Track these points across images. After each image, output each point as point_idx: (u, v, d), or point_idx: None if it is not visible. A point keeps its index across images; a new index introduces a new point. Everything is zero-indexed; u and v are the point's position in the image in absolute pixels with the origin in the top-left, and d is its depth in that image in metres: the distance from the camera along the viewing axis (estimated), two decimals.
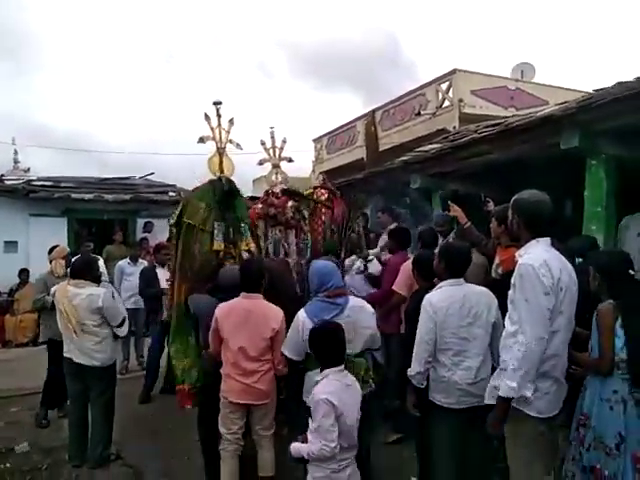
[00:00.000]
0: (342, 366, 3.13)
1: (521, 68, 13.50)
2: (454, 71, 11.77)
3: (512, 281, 2.86)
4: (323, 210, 5.33)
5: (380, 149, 13.42)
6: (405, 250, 5.23)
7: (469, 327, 3.35)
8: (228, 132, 4.95)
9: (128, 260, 8.09)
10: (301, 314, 3.60)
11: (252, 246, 4.76)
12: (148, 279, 6.70)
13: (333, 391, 3.01)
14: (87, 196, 11.22)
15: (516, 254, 2.98)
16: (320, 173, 15.66)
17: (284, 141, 5.67)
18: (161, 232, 11.10)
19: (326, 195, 5.41)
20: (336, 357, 3.13)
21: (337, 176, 10.07)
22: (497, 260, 4.21)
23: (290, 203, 5.14)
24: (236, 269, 4.28)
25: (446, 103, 11.99)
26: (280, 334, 3.74)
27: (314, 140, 17.20)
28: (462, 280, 3.49)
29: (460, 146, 6.41)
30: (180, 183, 13.65)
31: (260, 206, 5.14)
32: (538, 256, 2.82)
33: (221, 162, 4.89)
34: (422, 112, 12.22)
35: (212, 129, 4.90)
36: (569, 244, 3.92)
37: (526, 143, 5.53)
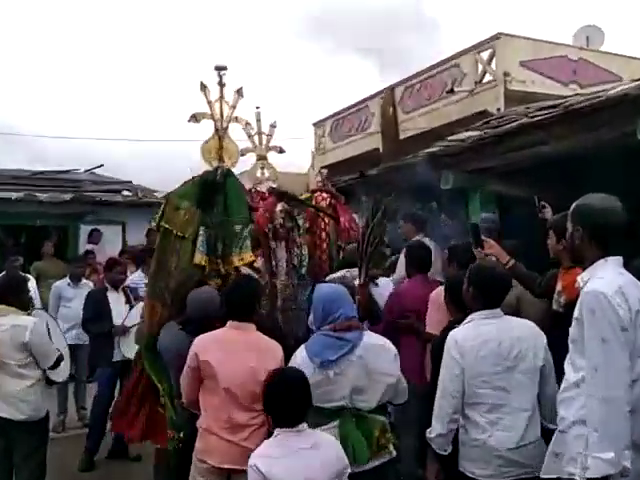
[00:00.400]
0: (302, 425, 3.15)
1: (586, 33, 13.62)
2: (498, 36, 11.88)
3: (575, 315, 2.85)
4: (326, 220, 5.32)
5: (401, 137, 13.44)
6: (424, 273, 5.23)
7: (508, 373, 3.34)
8: (234, 107, 4.96)
9: (68, 280, 8.08)
10: (300, 353, 3.62)
11: (256, 261, 4.75)
12: (96, 306, 6.67)
13: (269, 455, 3.07)
14: (14, 195, 11.26)
15: (578, 278, 2.96)
16: (322, 168, 15.69)
17: (273, 125, 5.71)
18: (111, 243, 11.14)
19: (327, 200, 5.42)
20: (289, 415, 3.16)
21: (344, 172, 10.09)
22: (559, 287, 4.18)
23: (280, 207, 5.13)
24: (208, 293, 4.28)
25: (487, 77, 12.08)
26: None
27: (315, 124, 17.30)
28: (499, 311, 3.49)
29: (506, 134, 6.43)
30: (139, 179, 13.79)
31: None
32: (611, 281, 2.79)
33: (221, 147, 4.90)
34: (456, 89, 12.30)
35: (210, 104, 4.90)
36: None
37: (592, 131, 5.55)
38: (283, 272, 5.07)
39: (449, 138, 7.64)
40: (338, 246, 5.37)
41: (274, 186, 5.43)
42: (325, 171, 6.57)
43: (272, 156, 5.73)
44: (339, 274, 4.96)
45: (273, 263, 5.05)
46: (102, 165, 14.41)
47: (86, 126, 32.94)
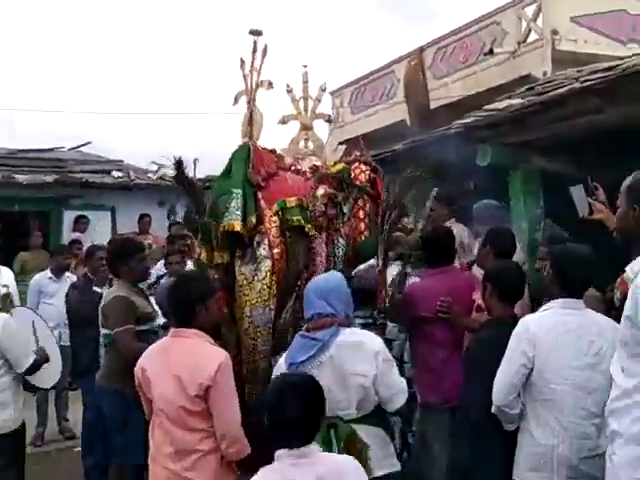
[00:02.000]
0: (305, 449, 2.79)
1: None
2: None
3: (625, 312, 2.80)
4: (365, 198, 5.22)
5: (431, 106, 13.37)
6: (449, 264, 5.15)
7: (589, 372, 3.38)
8: (259, 70, 4.91)
9: (49, 274, 8.08)
10: (283, 356, 3.78)
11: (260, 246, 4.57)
12: (81, 300, 6.66)
13: None
14: None
15: (627, 269, 2.99)
16: (340, 143, 15.65)
17: (323, 89, 5.63)
18: (98, 231, 11.18)
19: (367, 174, 5.31)
20: (282, 433, 2.82)
21: (365, 147, 10.01)
22: (618, 280, 4.15)
23: (321, 190, 4.97)
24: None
25: (532, 36, 11.98)
26: (218, 391, 3.58)
27: (332, 93, 17.21)
28: (582, 303, 3.56)
29: (553, 101, 6.31)
30: (130, 158, 13.82)
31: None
32: None
33: (250, 120, 4.89)
34: (496, 50, 12.21)
35: (245, 78, 4.89)
36: None
37: None
38: (322, 268, 4.94)
39: (487, 107, 7.54)
40: (377, 227, 5.26)
41: (318, 164, 5.29)
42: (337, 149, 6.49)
43: (319, 125, 5.64)
44: (363, 266, 4.87)
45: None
46: (89, 142, 14.46)
47: (72, 99, 33.04)
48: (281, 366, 3.68)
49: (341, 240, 5.04)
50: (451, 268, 5.15)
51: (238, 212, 4.54)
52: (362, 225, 5.26)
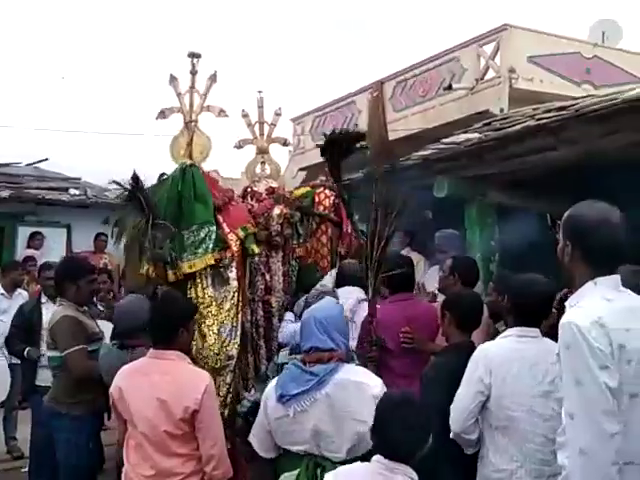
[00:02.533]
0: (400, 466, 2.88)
1: (602, 28, 13.78)
2: (504, 27, 11.94)
3: (555, 350, 2.82)
4: (327, 223, 5.29)
5: (390, 137, 13.47)
6: (408, 291, 5.18)
7: (544, 399, 3.42)
8: (205, 95, 4.98)
9: (0, 289, 7.97)
10: (271, 383, 3.63)
11: (227, 269, 4.64)
12: (24, 320, 6.61)
13: None
14: None
15: (566, 304, 2.90)
16: (300, 169, 15.70)
17: (278, 114, 5.71)
18: (54, 248, 11.04)
19: (331, 199, 5.38)
20: (387, 448, 2.93)
21: (324, 174, 10.07)
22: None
23: (277, 210, 5.07)
24: (134, 302, 4.32)
25: (491, 74, 12.13)
26: (205, 414, 3.58)
27: (293, 120, 17.30)
28: (538, 331, 3.61)
29: (509, 137, 6.45)
30: (90, 176, 13.66)
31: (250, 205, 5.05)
32: (590, 310, 2.69)
33: (190, 142, 4.91)
34: (455, 85, 12.33)
35: (179, 96, 4.96)
36: None
37: (607, 136, 5.59)
38: (279, 287, 5.00)
39: (445, 140, 7.65)
40: (339, 253, 5.32)
41: (274, 185, 5.35)
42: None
43: (274, 149, 5.71)
44: (314, 291, 4.84)
45: (267, 277, 4.98)
46: (47, 159, 14.27)
47: (29, 115, 32.52)
48: (270, 395, 3.54)
49: (293, 262, 5.13)
50: (411, 296, 5.17)
51: (211, 247, 4.64)
52: (325, 250, 5.35)
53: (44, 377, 6.06)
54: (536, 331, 3.60)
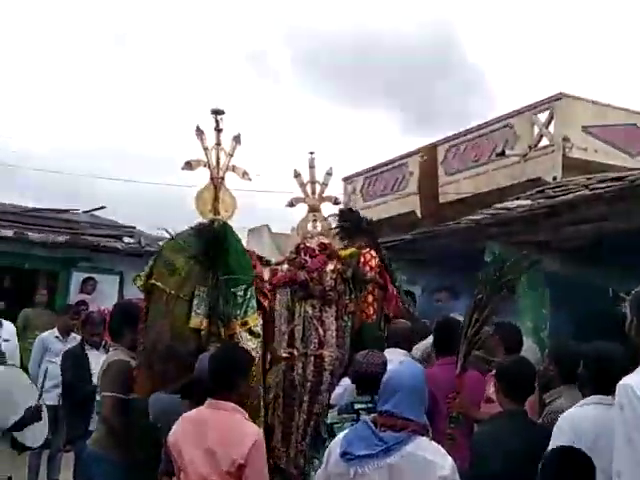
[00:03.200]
0: None
1: None
2: (559, 96, 12.06)
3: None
4: (372, 285, 5.39)
5: (441, 200, 13.54)
6: (453, 355, 5.14)
7: None
8: (231, 155, 5.11)
9: (56, 333, 8.14)
10: (340, 434, 3.54)
11: (256, 325, 4.75)
12: (74, 365, 6.69)
13: None
14: (3, 232, 11.46)
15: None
16: (339, 229, 15.78)
17: (329, 173, 5.87)
18: (107, 295, 11.23)
19: (376, 260, 5.47)
20: None
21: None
22: None
23: (331, 266, 5.20)
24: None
25: (544, 142, 12.22)
26: (252, 469, 3.55)
27: (345, 179, 17.53)
28: (612, 399, 3.50)
29: (562, 205, 6.49)
30: (145, 226, 13.96)
31: (286, 267, 5.20)
32: None
33: (216, 198, 5.01)
34: (507, 152, 12.42)
35: (206, 150, 5.06)
36: None
37: None
38: (332, 342, 5.08)
39: (497, 206, 7.71)
40: (385, 316, 5.38)
41: (326, 242, 5.48)
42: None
43: (326, 208, 5.85)
44: (364, 351, 4.87)
45: (320, 331, 5.07)
46: (104, 207, 14.61)
47: (85, 162, 33.42)
48: (334, 449, 3.43)
49: (345, 317, 5.20)
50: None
51: (255, 305, 4.78)
52: (370, 309, 5.41)
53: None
54: (611, 399, 3.48)
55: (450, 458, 3.35)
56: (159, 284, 4.70)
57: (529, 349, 5.48)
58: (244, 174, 5.17)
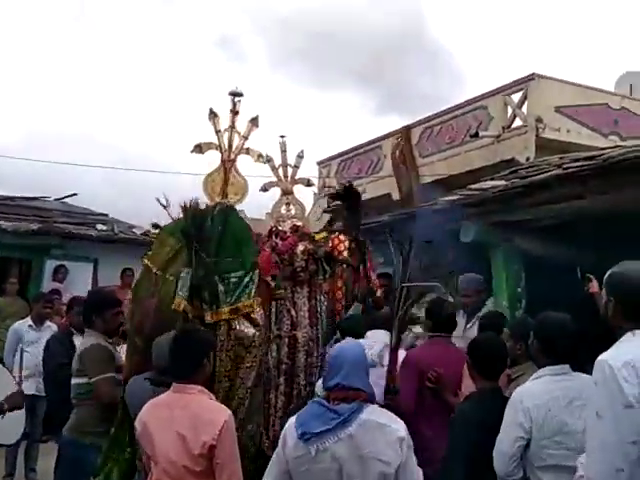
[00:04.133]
0: None
1: (630, 80, 13.92)
2: (532, 77, 12.11)
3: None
4: (343, 267, 5.38)
5: (418, 183, 13.56)
6: (448, 335, 5.20)
7: (582, 435, 3.38)
8: (246, 137, 5.09)
9: (29, 321, 8.08)
10: (290, 420, 3.55)
11: (253, 312, 4.66)
12: (57, 353, 6.64)
13: None
14: None
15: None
16: (325, 211, 15.78)
17: (300, 156, 5.86)
18: (81, 282, 11.17)
19: (345, 244, 5.47)
20: None
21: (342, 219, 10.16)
22: None
23: (301, 247, 5.21)
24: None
25: (517, 122, 12.28)
26: (222, 451, 3.57)
27: (319, 163, 17.51)
28: (568, 367, 3.68)
29: (536, 185, 6.51)
30: (118, 213, 13.90)
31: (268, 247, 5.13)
32: (624, 352, 2.89)
33: (226, 181, 4.99)
34: (481, 133, 12.46)
35: (218, 133, 5.03)
36: None
37: (635, 187, 5.64)
38: (305, 323, 5.08)
39: (472, 186, 7.72)
40: (354, 296, 5.39)
41: (298, 224, 5.48)
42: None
43: (298, 190, 5.85)
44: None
45: (292, 313, 5.05)
46: (76, 194, 14.54)
47: (58, 150, 33.10)
48: (289, 433, 3.45)
49: (319, 297, 5.20)
50: (448, 339, 5.14)
51: (252, 293, 4.68)
52: (339, 293, 5.41)
53: None
54: (567, 367, 3.68)
55: (402, 421, 3.49)
56: (148, 263, 4.67)
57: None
58: (259, 156, 5.16)
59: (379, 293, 5.75)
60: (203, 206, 4.83)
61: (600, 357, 2.89)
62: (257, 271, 4.74)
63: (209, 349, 3.92)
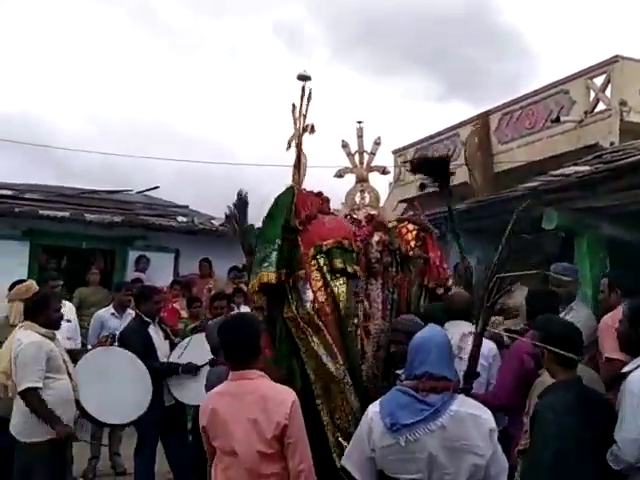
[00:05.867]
0: None
1: None
2: (616, 59, 11.77)
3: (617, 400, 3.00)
4: (411, 254, 5.29)
5: (495, 170, 13.37)
6: None
7: None
8: (304, 115, 5.08)
9: (112, 309, 8.25)
10: (372, 408, 3.51)
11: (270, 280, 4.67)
12: (140, 341, 6.56)
13: None
14: (60, 214, 11.66)
15: None
16: (400, 201, 15.71)
17: (377, 142, 5.78)
18: (162, 272, 11.39)
19: (414, 233, 5.37)
20: None
21: (426, 206, 10.05)
22: None
23: (377, 237, 5.09)
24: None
25: (600, 106, 11.97)
26: (294, 429, 3.58)
27: (394, 152, 17.39)
28: None
29: (623, 169, 6.33)
30: (197, 205, 14.10)
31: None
32: None
33: (298, 164, 5.05)
34: (562, 118, 12.20)
35: (296, 121, 5.08)
36: None
37: None
38: (378, 314, 4.97)
39: (553, 172, 7.55)
40: (425, 287, 5.27)
41: (373, 213, 5.41)
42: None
43: (374, 178, 5.79)
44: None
45: (366, 304, 4.96)
46: (158, 187, 14.83)
47: (139, 145, 33.84)
48: (375, 422, 3.42)
49: (394, 289, 5.10)
50: None
51: (275, 263, 4.64)
52: (405, 283, 5.30)
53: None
54: None
55: (489, 410, 3.46)
56: None
57: (586, 316, 5.48)
58: (312, 129, 5.12)
59: (450, 283, 5.64)
60: None
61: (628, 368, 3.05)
62: (276, 245, 4.71)
63: (261, 336, 3.90)
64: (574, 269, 6.18)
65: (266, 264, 4.64)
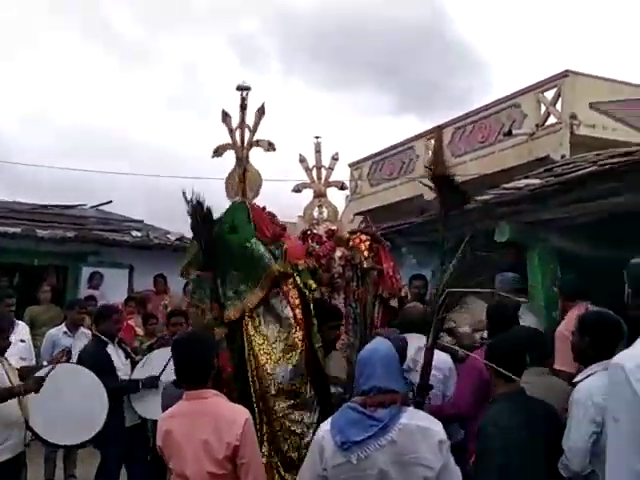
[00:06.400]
0: None
1: None
2: (566, 73, 11.98)
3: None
4: (365, 265, 5.30)
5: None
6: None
7: None
8: (254, 129, 4.97)
9: (64, 328, 8.08)
10: (323, 426, 3.47)
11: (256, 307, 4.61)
12: (99, 362, 6.41)
13: None
14: (11, 230, 11.46)
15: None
16: (356, 215, 15.77)
17: (335, 158, 5.78)
18: (116, 288, 11.22)
19: (367, 244, 5.40)
20: None
21: (382, 219, 10.11)
22: None
23: (339, 252, 5.12)
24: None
25: (551, 120, 12.15)
26: (246, 450, 3.54)
27: (351, 165, 17.47)
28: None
29: (572, 182, 6.40)
30: (152, 219, 13.96)
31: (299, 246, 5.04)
32: (638, 352, 2.84)
33: (243, 178, 4.87)
34: (514, 132, 12.35)
35: (231, 132, 4.95)
36: None
37: None
38: (341, 329, 4.99)
39: (505, 186, 7.62)
40: (379, 297, 5.30)
41: (333, 228, 5.40)
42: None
43: (332, 193, 5.80)
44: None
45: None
46: (111, 201, 14.67)
47: (93, 158, 33.48)
48: (326, 440, 3.37)
49: (353, 304, 5.11)
50: None
51: (269, 256, 4.60)
52: (364, 297, 5.32)
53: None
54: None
55: (439, 422, 3.41)
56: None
57: (531, 322, 5.62)
58: (269, 145, 5.03)
59: (403, 293, 5.68)
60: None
61: (614, 359, 2.88)
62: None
63: (215, 354, 3.88)
64: (517, 279, 6.31)
65: (265, 261, 4.60)
